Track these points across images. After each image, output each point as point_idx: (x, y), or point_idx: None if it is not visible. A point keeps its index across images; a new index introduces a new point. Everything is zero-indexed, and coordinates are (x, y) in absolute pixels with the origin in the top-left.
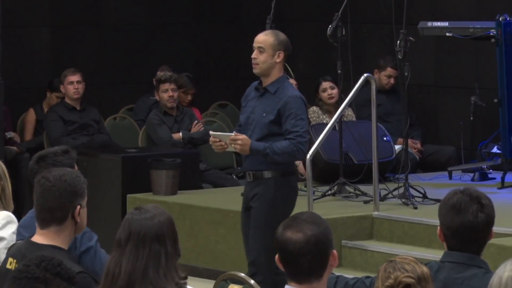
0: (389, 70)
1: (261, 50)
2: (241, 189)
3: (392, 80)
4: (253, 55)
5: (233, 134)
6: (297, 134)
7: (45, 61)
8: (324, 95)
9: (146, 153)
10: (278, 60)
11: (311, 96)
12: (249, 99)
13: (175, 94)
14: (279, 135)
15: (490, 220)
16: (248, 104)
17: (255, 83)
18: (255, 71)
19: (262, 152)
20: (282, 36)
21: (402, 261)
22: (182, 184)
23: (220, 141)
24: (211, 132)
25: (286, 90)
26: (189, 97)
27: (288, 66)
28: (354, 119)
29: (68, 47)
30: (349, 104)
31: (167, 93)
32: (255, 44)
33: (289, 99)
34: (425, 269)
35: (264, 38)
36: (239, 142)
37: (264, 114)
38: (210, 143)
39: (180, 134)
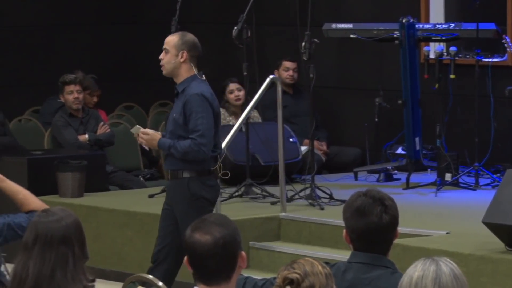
0: (285, 64)
1: (166, 51)
2: (148, 191)
3: (291, 73)
4: (160, 57)
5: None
6: (197, 134)
7: None
8: (231, 96)
9: (52, 155)
10: (182, 60)
11: (217, 97)
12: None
13: (80, 96)
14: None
15: (394, 221)
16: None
17: None
18: (163, 72)
19: (167, 150)
20: (188, 36)
21: (298, 261)
22: (89, 186)
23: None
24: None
25: (190, 89)
26: (95, 99)
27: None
28: (260, 120)
29: None
30: (255, 106)
31: (72, 95)
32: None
33: (190, 97)
34: (320, 267)
35: (169, 39)
36: (145, 136)
37: (174, 115)
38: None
39: (86, 136)
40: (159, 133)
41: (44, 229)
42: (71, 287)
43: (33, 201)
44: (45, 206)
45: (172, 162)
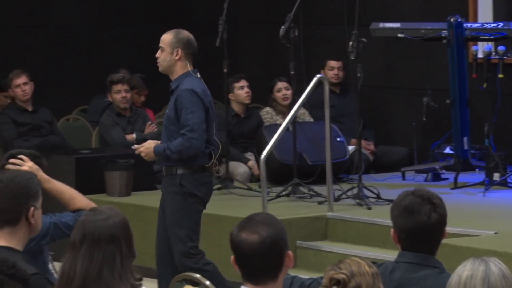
0: (330, 63)
1: (161, 49)
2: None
3: (336, 72)
4: (156, 55)
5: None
6: (187, 129)
7: None
8: (279, 95)
9: (99, 154)
10: (177, 58)
11: (263, 96)
12: None
13: (128, 95)
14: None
15: (443, 220)
16: None
17: None
18: (159, 69)
19: (163, 155)
20: (182, 34)
21: (344, 261)
22: (136, 185)
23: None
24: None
25: (181, 85)
26: (142, 98)
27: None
28: (309, 118)
29: (18, 48)
30: (303, 105)
31: (119, 94)
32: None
33: (180, 93)
34: (366, 267)
35: (164, 37)
36: (142, 150)
37: (167, 111)
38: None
39: (134, 135)
40: (147, 145)
41: (91, 228)
42: (118, 285)
43: (80, 200)
44: (92, 205)
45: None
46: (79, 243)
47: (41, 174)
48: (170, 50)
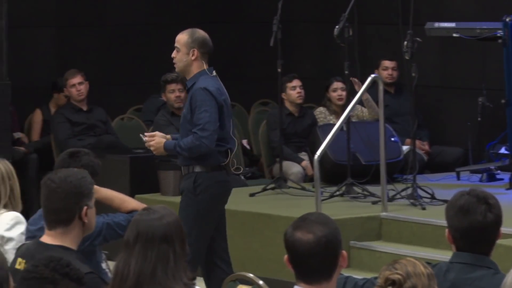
0: (384, 63)
1: (177, 49)
2: (249, 189)
3: (390, 71)
4: (172, 55)
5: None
6: (199, 128)
7: (51, 62)
8: (334, 95)
9: (154, 154)
10: (193, 58)
11: (317, 96)
12: None
13: (182, 95)
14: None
15: (498, 220)
16: None
17: None
18: (176, 69)
19: (174, 151)
20: (198, 34)
21: (400, 261)
22: None
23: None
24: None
25: (196, 84)
26: None
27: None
28: (368, 115)
29: (74, 47)
30: (361, 104)
31: (173, 94)
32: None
33: (194, 92)
34: (422, 268)
35: (179, 37)
36: (152, 144)
37: (184, 111)
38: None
39: None
40: (158, 139)
41: (145, 227)
42: (172, 284)
43: (131, 202)
44: (143, 206)
45: (183, 158)
46: (133, 242)
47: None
48: (186, 50)
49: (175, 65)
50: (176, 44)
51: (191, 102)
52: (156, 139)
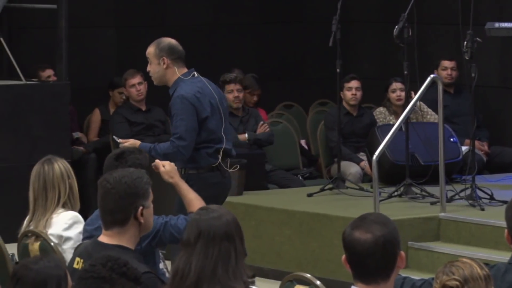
0: (444, 63)
1: (150, 62)
2: (307, 189)
3: (449, 72)
4: (147, 69)
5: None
6: (176, 137)
7: (110, 62)
8: (393, 95)
9: None
10: (165, 67)
11: (376, 97)
12: None
13: (241, 95)
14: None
15: None
16: None
17: None
18: (154, 83)
19: (148, 153)
20: (163, 42)
21: (455, 263)
22: (248, 185)
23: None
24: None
25: (175, 92)
26: (255, 98)
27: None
28: (433, 115)
29: (133, 48)
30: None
31: (232, 94)
32: None
33: (172, 100)
34: (478, 270)
35: (148, 50)
36: (125, 145)
37: (168, 119)
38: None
39: (246, 135)
40: (132, 140)
41: (206, 226)
42: (232, 283)
43: (195, 205)
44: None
45: (183, 160)
46: (194, 241)
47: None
48: (156, 61)
49: (152, 79)
50: (147, 57)
51: (169, 110)
52: (130, 141)
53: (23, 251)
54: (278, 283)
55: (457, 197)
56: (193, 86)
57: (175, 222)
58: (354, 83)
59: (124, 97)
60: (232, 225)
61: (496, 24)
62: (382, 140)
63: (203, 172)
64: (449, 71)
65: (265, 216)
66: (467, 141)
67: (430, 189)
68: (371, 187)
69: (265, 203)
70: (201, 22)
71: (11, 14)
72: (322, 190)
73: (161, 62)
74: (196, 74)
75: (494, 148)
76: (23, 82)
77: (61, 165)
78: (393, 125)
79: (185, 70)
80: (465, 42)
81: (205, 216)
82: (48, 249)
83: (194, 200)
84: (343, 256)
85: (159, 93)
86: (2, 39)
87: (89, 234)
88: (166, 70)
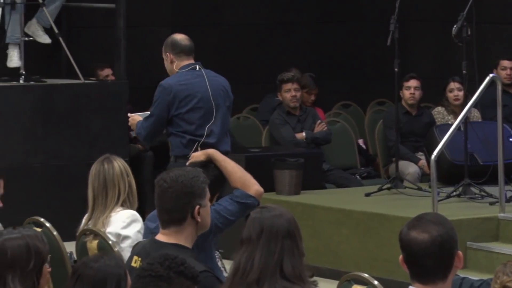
0: (503, 63)
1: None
2: (364, 189)
3: (508, 72)
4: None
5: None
6: (145, 118)
7: None
8: (451, 95)
9: (269, 153)
10: (170, 61)
11: (435, 96)
12: None
13: (298, 94)
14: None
15: None
16: None
17: None
18: None
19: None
20: (169, 38)
21: None
22: (305, 184)
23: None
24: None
25: None
26: (312, 97)
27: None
28: (479, 119)
29: None
30: (475, 105)
31: (289, 93)
32: None
33: None
34: None
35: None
36: (131, 122)
37: None
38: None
39: (303, 134)
40: (134, 116)
41: (269, 223)
42: (293, 279)
43: (250, 185)
44: (261, 191)
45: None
46: (256, 238)
47: (218, 155)
48: (165, 57)
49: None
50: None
51: None
52: (134, 116)
53: (82, 249)
54: (336, 282)
55: None
56: (179, 77)
57: (224, 206)
58: (412, 82)
59: None
60: (293, 224)
61: None
62: (441, 139)
63: (181, 160)
64: (508, 71)
65: (322, 216)
66: None
67: (489, 189)
68: (430, 187)
69: (322, 202)
70: (258, 22)
71: (70, 14)
72: (380, 189)
73: (167, 57)
74: (198, 68)
75: None
76: (82, 81)
77: (120, 164)
78: (451, 124)
79: (185, 63)
80: None
81: (267, 214)
82: (106, 248)
83: (233, 174)
84: (400, 256)
85: None
86: (61, 39)
87: (150, 231)
88: (171, 64)
